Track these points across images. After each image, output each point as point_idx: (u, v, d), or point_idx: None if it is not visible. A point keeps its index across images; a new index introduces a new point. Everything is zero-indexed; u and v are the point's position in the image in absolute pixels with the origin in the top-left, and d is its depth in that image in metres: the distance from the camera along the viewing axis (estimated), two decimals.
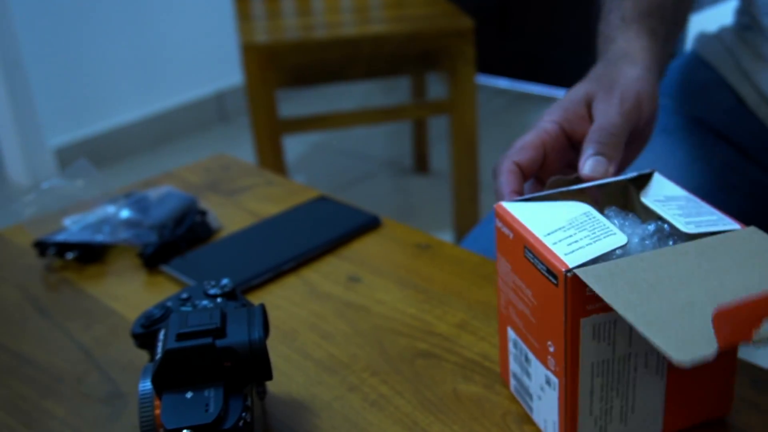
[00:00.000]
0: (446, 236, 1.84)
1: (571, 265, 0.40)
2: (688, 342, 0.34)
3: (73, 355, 0.59)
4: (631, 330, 0.43)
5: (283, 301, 0.64)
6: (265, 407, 0.52)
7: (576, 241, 0.42)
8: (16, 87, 2.31)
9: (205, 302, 0.49)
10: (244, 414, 0.42)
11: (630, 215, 0.45)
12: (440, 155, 2.30)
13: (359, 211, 0.76)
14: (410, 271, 0.67)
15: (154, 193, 0.78)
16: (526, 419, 0.50)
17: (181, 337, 0.43)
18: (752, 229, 0.42)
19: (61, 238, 0.71)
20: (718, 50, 0.82)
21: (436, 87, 2.36)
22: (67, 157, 2.41)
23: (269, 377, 0.45)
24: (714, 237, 0.42)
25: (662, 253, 0.41)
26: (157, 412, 0.42)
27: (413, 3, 1.96)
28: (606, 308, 0.41)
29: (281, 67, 1.82)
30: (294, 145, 2.44)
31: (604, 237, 0.42)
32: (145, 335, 0.49)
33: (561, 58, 2.58)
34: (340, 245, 0.72)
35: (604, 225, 0.43)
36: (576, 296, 0.40)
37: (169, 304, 0.50)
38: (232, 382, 0.43)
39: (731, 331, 0.35)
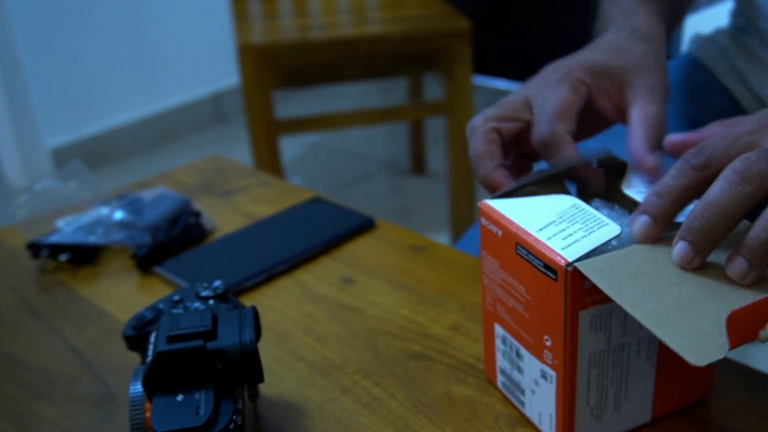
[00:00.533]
0: (443, 237, 1.83)
1: (570, 259, 0.40)
2: (699, 343, 0.35)
3: (66, 358, 0.59)
4: (625, 320, 0.43)
5: (277, 303, 0.64)
6: (257, 409, 0.52)
7: (570, 235, 0.42)
8: (13, 88, 2.30)
9: (196, 304, 0.49)
10: (235, 417, 0.42)
11: (616, 206, 0.45)
12: (437, 156, 2.30)
13: (353, 212, 0.76)
14: (404, 273, 0.67)
15: (147, 195, 0.78)
16: (519, 421, 0.50)
17: (171, 339, 0.43)
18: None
19: (54, 239, 0.71)
20: (713, 52, 0.82)
21: (434, 88, 2.36)
22: (64, 158, 2.41)
23: (261, 380, 0.45)
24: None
25: (656, 245, 0.41)
26: (148, 415, 0.42)
27: (410, 4, 1.96)
28: (603, 300, 0.41)
29: (278, 67, 1.82)
30: (291, 146, 2.44)
31: (598, 228, 0.42)
32: (136, 337, 0.49)
33: (558, 58, 2.57)
34: (334, 247, 0.72)
35: (596, 216, 0.43)
36: (576, 290, 0.41)
37: (161, 306, 0.50)
38: (223, 384, 0.43)
39: (741, 331, 0.36)
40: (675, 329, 0.36)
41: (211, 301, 0.49)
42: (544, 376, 0.45)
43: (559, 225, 0.43)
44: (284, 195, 0.82)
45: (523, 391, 0.48)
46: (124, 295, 0.67)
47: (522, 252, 0.44)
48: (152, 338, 0.46)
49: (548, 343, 0.44)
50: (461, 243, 0.77)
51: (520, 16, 2.77)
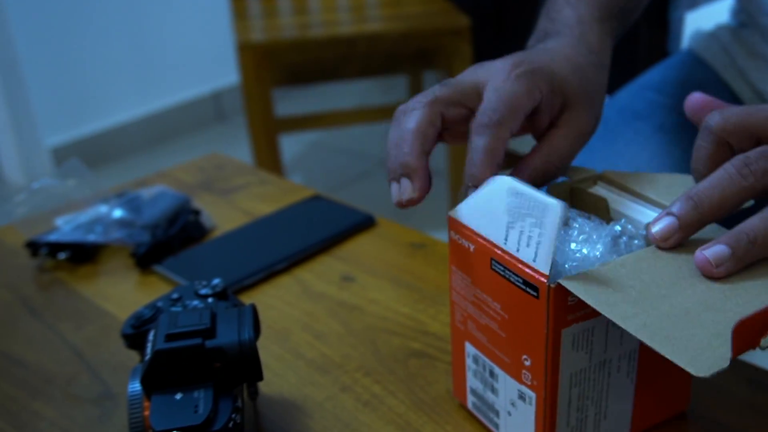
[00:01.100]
0: (443, 235, 1.83)
1: (542, 270, 0.38)
2: (700, 354, 0.33)
3: (64, 356, 0.59)
4: (606, 336, 0.41)
5: (276, 301, 0.64)
6: (256, 407, 0.52)
7: (530, 236, 0.39)
8: (13, 86, 2.30)
9: (195, 302, 0.49)
10: (234, 415, 0.42)
11: (593, 217, 0.44)
12: (437, 154, 2.29)
13: (353, 210, 0.76)
14: (404, 271, 0.67)
15: (146, 193, 0.77)
16: None
17: (170, 337, 0.43)
18: (715, 226, 0.41)
19: (53, 238, 0.71)
20: (714, 48, 0.82)
21: (433, 85, 2.36)
22: (64, 157, 2.41)
23: (260, 378, 0.44)
24: (690, 239, 0.40)
25: (640, 258, 0.39)
26: (147, 413, 0.42)
27: (409, 1, 1.96)
28: (585, 316, 0.40)
29: (277, 65, 1.82)
30: (291, 144, 2.44)
31: (543, 213, 0.38)
32: (135, 336, 0.49)
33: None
34: (334, 244, 0.71)
35: (534, 197, 0.39)
36: (559, 307, 0.38)
37: (160, 304, 0.50)
38: (222, 383, 0.43)
39: (743, 339, 0.34)
40: (673, 341, 0.34)
41: (210, 300, 0.49)
42: (522, 397, 0.43)
43: (514, 225, 0.40)
44: (284, 193, 0.82)
45: (497, 413, 0.46)
46: (122, 294, 0.67)
47: (498, 268, 0.41)
48: (151, 336, 0.46)
49: (527, 363, 0.41)
50: None
51: (519, 14, 2.77)
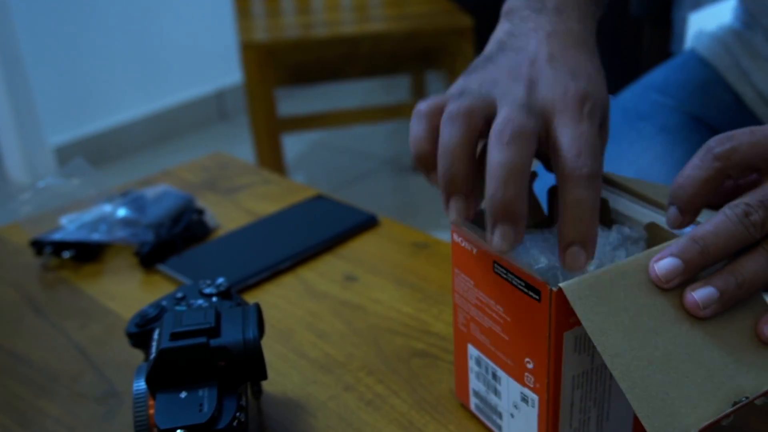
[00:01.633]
0: (446, 235, 1.83)
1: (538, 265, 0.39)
2: (667, 422, 0.35)
3: (69, 354, 0.59)
4: None
5: (280, 300, 0.64)
6: (260, 406, 0.52)
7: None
8: (16, 85, 2.30)
9: (200, 301, 0.49)
10: (238, 414, 0.42)
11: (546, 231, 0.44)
12: None
13: (356, 209, 0.76)
14: (407, 270, 0.67)
15: (150, 192, 0.78)
16: None
17: (175, 336, 0.43)
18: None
19: (57, 237, 0.71)
20: (717, 49, 0.82)
21: (436, 85, 2.36)
22: (67, 156, 2.41)
23: (264, 377, 0.45)
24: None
25: (641, 267, 0.39)
26: (151, 411, 0.42)
27: (413, 1, 1.96)
28: None
29: (281, 65, 1.82)
30: (294, 144, 2.44)
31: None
32: (139, 334, 0.49)
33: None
34: (337, 244, 0.72)
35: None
36: (560, 310, 0.39)
37: (164, 303, 0.50)
38: (227, 381, 0.43)
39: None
40: (648, 398, 0.35)
41: (214, 299, 0.49)
42: (524, 399, 0.43)
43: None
44: (287, 192, 0.82)
45: (500, 415, 0.46)
46: (127, 292, 0.67)
47: (500, 271, 0.41)
48: (155, 335, 0.46)
49: (530, 366, 0.42)
50: None
51: None
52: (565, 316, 0.39)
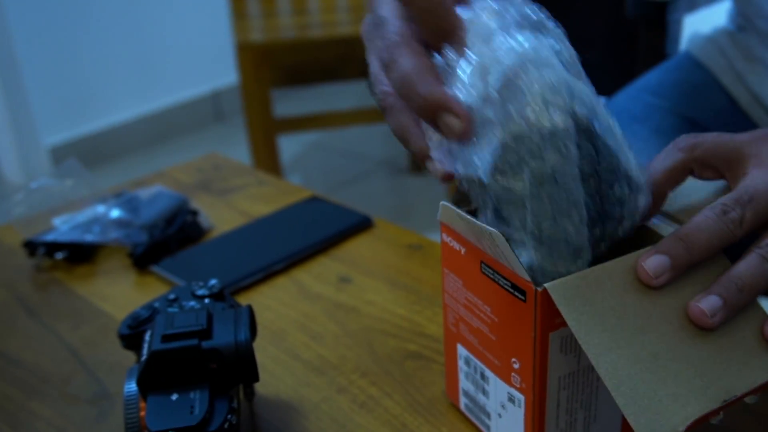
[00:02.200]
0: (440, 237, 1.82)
1: (525, 279, 0.38)
2: (654, 419, 0.34)
3: (61, 356, 0.59)
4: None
5: (273, 302, 0.64)
6: (253, 408, 0.52)
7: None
8: (11, 85, 2.30)
9: (192, 303, 0.49)
10: (229, 416, 0.42)
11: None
12: None
13: (351, 211, 0.76)
14: (401, 272, 0.67)
15: (144, 193, 0.78)
16: None
17: (166, 338, 0.43)
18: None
19: (50, 238, 0.71)
20: (712, 51, 0.82)
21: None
22: (62, 156, 2.41)
23: (256, 379, 0.44)
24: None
25: (628, 268, 0.39)
26: (143, 414, 0.42)
27: None
28: None
29: (277, 66, 1.82)
30: (289, 145, 2.44)
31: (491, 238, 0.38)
32: (131, 336, 0.49)
33: None
34: (331, 246, 0.71)
35: (476, 224, 0.39)
36: (546, 311, 0.38)
37: (157, 304, 0.50)
38: (218, 383, 0.43)
39: (694, 428, 0.35)
40: (634, 397, 0.35)
41: (206, 300, 0.49)
42: (511, 399, 0.43)
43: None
44: (282, 194, 0.82)
45: (488, 415, 0.46)
46: (120, 294, 0.67)
47: (487, 271, 0.41)
48: (147, 337, 0.46)
49: (516, 366, 0.42)
50: None
51: None
52: (551, 316, 0.39)
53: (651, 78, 0.85)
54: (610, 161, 0.39)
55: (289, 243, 0.71)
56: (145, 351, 0.45)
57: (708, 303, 0.38)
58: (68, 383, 0.56)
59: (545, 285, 0.37)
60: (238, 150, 2.27)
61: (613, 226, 0.40)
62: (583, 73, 0.39)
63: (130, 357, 0.53)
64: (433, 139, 0.40)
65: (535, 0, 0.42)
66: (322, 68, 1.96)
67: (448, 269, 0.46)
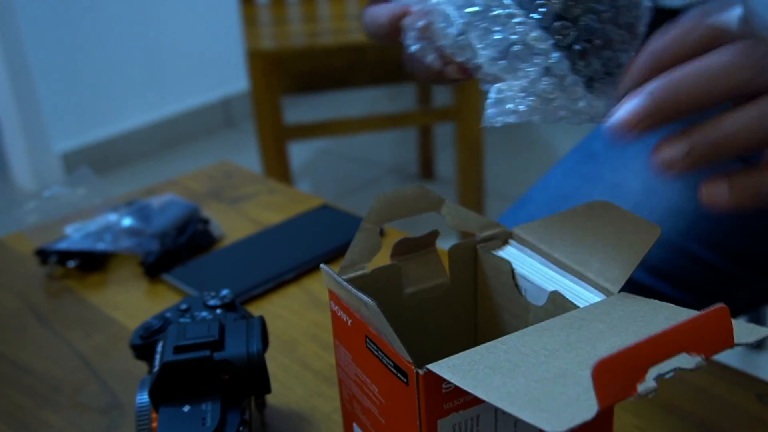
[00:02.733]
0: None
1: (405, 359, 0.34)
2: (562, 410, 0.29)
3: (72, 365, 0.59)
4: (496, 425, 0.37)
5: (284, 311, 0.64)
6: (264, 419, 0.52)
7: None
8: (23, 92, 2.31)
9: (204, 313, 0.49)
10: (241, 428, 0.42)
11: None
12: (446, 162, 2.30)
13: (361, 219, 0.76)
14: None
15: (156, 201, 0.78)
16: None
17: (178, 349, 0.43)
18: (622, 294, 0.38)
19: (62, 246, 0.71)
20: None
21: (442, 94, 2.36)
22: (74, 162, 2.42)
23: (268, 391, 0.44)
24: (580, 309, 0.37)
25: (524, 334, 0.35)
26: (154, 425, 0.42)
27: None
28: (466, 404, 0.35)
29: (287, 73, 1.82)
30: (300, 152, 2.44)
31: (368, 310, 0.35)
32: (143, 346, 0.49)
33: None
34: (341, 254, 0.71)
35: (354, 293, 0.35)
36: (431, 396, 0.34)
37: (168, 315, 0.50)
38: (230, 395, 0.43)
39: (613, 388, 0.29)
40: (534, 403, 0.29)
41: (218, 311, 0.49)
42: None
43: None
44: (292, 202, 0.82)
45: None
46: (131, 302, 0.67)
47: (371, 347, 0.37)
48: (159, 348, 0.46)
49: None
50: None
51: None
52: (438, 401, 0.34)
53: None
54: None
55: (299, 252, 0.71)
56: (157, 362, 0.45)
57: (673, 150, 0.33)
58: (80, 392, 0.56)
59: (428, 366, 0.33)
60: (248, 156, 2.28)
61: None
62: None
63: (141, 366, 0.53)
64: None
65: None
66: (332, 75, 1.96)
67: (339, 341, 0.42)
